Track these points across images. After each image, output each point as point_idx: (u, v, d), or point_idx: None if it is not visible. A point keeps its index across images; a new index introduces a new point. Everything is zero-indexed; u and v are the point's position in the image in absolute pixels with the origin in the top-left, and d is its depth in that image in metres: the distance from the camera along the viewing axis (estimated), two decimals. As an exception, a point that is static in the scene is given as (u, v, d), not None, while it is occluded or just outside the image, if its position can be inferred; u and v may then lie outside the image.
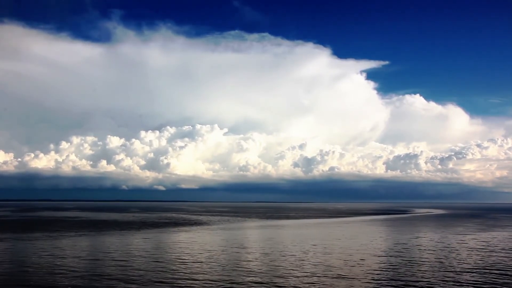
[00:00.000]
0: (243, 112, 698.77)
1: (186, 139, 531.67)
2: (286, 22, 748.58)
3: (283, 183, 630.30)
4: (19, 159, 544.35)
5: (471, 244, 47.55)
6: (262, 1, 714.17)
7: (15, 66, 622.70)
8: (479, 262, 34.34)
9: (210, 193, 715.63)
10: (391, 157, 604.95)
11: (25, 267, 31.51)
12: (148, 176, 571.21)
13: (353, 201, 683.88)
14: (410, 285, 25.64)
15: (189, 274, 28.84)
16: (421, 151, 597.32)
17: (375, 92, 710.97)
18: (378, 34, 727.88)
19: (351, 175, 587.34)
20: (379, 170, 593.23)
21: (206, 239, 52.76)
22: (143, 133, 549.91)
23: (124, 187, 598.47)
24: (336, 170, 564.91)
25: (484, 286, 25.66)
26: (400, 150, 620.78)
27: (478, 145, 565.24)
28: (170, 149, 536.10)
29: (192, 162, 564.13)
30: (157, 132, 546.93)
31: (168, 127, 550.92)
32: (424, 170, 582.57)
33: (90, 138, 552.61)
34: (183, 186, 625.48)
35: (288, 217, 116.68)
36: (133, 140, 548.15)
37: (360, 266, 31.96)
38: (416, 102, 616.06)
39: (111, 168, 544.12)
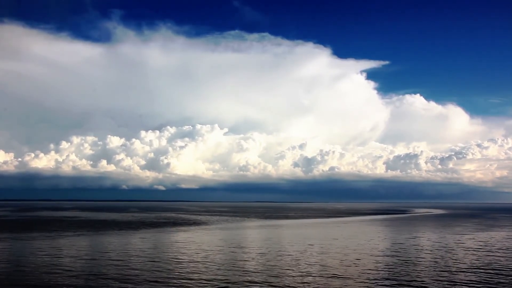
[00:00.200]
0: (243, 112, 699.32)
1: (186, 139, 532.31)
2: (286, 22, 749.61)
3: (283, 183, 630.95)
4: (19, 159, 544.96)
5: (468, 244, 47.60)
6: (262, 1, 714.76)
7: (15, 66, 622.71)
8: (475, 261, 34.39)
9: (210, 193, 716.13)
10: (391, 157, 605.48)
11: (21, 267, 31.58)
12: (148, 176, 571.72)
13: (353, 201, 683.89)
14: (404, 285, 25.70)
15: (184, 273, 28.91)
16: (421, 151, 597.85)
17: (375, 92, 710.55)
18: (378, 34, 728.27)
19: (351, 175, 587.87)
20: (379, 170, 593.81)
21: (203, 239, 52.82)
22: (143, 133, 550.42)
23: (124, 187, 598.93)
24: (336, 170, 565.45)
25: (478, 285, 25.71)
26: (400, 150, 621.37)
27: (478, 145, 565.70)
28: (170, 149, 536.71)
29: (192, 162, 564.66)
30: (157, 132, 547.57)
31: (168, 127, 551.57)
32: (424, 170, 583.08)
33: (90, 138, 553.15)
34: (183, 186, 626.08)
35: (287, 217, 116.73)
36: (133, 140, 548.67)
37: (356, 266, 32.02)
38: (416, 102, 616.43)
39: (111, 168, 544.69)
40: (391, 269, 30.63)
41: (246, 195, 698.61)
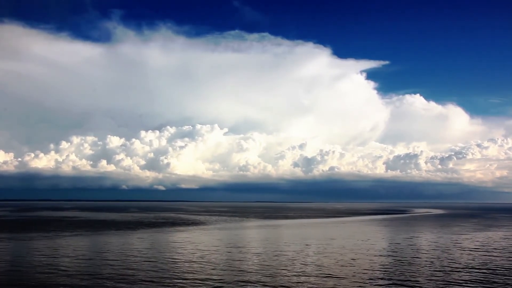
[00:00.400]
0: (243, 112, 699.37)
1: (186, 139, 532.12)
2: (286, 22, 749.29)
3: (283, 183, 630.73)
4: (19, 159, 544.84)
5: (465, 244, 47.64)
6: (262, 1, 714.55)
7: (15, 66, 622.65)
8: (470, 261, 34.44)
9: (210, 193, 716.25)
10: (391, 157, 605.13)
11: (17, 267, 31.65)
12: (148, 176, 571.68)
13: (353, 201, 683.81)
14: (398, 284, 25.75)
15: (179, 273, 28.97)
16: (421, 151, 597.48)
17: (375, 92, 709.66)
18: (378, 34, 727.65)
19: (351, 175, 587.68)
20: (379, 170, 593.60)
21: (200, 239, 52.87)
22: (143, 133, 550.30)
23: (124, 187, 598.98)
24: (336, 170, 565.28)
25: (473, 285, 25.76)
26: (400, 150, 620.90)
27: (478, 145, 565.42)
28: (170, 149, 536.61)
29: (192, 162, 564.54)
30: (157, 132, 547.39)
31: (168, 127, 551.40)
32: (424, 170, 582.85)
33: (90, 138, 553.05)
34: (183, 186, 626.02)
35: (286, 217, 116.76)
36: (133, 140, 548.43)
37: (351, 266, 32.06)
38: (416, 102, 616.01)
39: (111, 168, 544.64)
40: (386, 269, 30.68)
41: (246, 195, 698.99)
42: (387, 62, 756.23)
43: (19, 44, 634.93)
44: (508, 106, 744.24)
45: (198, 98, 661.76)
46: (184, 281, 26.60)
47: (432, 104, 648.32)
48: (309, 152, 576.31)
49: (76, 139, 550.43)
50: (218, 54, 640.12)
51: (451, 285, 25.62)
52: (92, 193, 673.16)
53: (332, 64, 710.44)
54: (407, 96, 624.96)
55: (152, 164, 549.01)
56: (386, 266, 31.84)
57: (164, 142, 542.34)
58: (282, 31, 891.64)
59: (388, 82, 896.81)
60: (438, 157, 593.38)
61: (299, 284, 25.87)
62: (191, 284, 25.85)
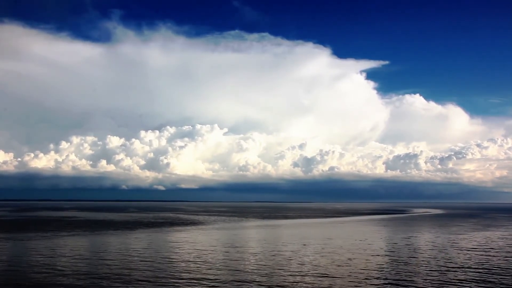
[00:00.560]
0: (243, 112, 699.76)
1: (186, 139, 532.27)
2: (286, 22, 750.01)
3: (283, 183, 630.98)
4: (19, 159, 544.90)
5: (462, 243, 47.67)
6: (262, 1, 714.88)
7: (15, 66, 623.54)
8: (467, 261, 34.45)
9: (210, 193, 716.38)
10: (391, 157, 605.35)
11: (13, 266, 31.68)
12: (148, 176, 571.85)
13: (353, 201, 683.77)
14: (392, 284, 25.77)
15: (174, 273, 29.01)
16: (421, 151, 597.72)
17: (375, 92, 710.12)
18: (378, 34, 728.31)
19: (351, 175, 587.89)
20: (379, 170, 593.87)
21: (198, 239, 52.89)
22: (143, 133, 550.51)
23: (124, 187, 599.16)
24: (336, 170, 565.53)
25: (468, 284, 25.78)
26: (400, 150, 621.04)
27: (478, 145, 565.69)
28: (170, 149, 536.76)
29: (192, 162, 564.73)
30: (157, 132, 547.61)
31: (168, 127, 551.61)
32: (424, 170, 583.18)
33: (90, 138, 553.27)
34: (183, 186, 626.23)
35: (285, 217, 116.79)
36: (133, 140, 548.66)
37: (347, 266, 32.08)
38: (416, 102, 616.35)
39: (111, 168, 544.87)
40: (382, 269, 30.71)
41: (245, 195, 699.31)
42: (387, 62, 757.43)
43: (19, 44, 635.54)
44: (508, 106, 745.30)
45: (198, 98, 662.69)
46: (179, 280, 26.63)
47: (432, 104, 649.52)
48: (309, 152, 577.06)
49: (76, 139, 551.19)
50: (218, 54, 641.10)
51: (446, 285, 25.64)
52: (92, 193, 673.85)
53: (332, 64, 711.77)
54: (407, 96, 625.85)
55: (152, 164, 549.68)
56: (382, 266, 31.87)
57: (164, 142, 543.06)
58: (282, 31, 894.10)
59: (388, 82, 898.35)
60: (438, 157, 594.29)
61: (294, 283, 25.90)
62: (186, 283, 25.88)
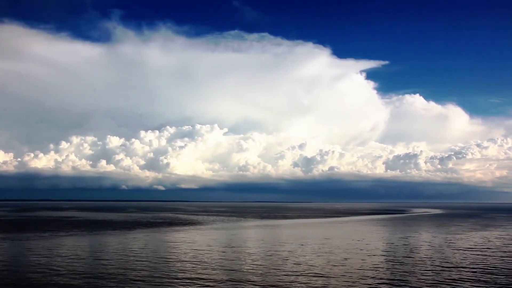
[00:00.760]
0: (243, 112, 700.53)
1: (186, 139, 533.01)
2: (286, 22, 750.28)
3: (283, 183, 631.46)
4: (19, 159, 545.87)
5: (459, 243, 47.72)
6: (262, 1, 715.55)
7: (15, 66, 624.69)
8: (462, 261, 34.50)
9: (210, 193, 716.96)
10: (390, 157, 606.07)
11: (11, 266, 31.76)
12: (148, 176, 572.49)
13: (353, 201, 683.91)
14: (386, 283, 25.83)
15: (169, 272, 29.07)
16: (421, 151, 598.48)
17: (375, 92, 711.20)
18: (378, 34, 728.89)
19: (351, 175, 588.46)
20: (379, 170, 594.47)
21: (195, 239, 52.96)
22: (143, 133, 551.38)
23: (124, 187, 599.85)
24: (336, 170, 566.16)
25: (462, 284, 25.84)
26: (400, 150, 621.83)
27: (478, 145, 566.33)
28: (170, 149, 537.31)
29: (192, 162, 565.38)
30: (157, 132, 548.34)
31: (168, 127, 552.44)
32: (423, 170, 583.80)
33: (90, 138, 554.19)
34: (183, 186, 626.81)
35: (284, 217, 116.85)
36: (133, 140, 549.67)
37: (342, 266, 32.13)
38: (416, 102, 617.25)
39: (111, 168, 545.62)
40: (376, 268, 30.76)
41: (245, 195, 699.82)
42: (387, 62, 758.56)
43: (19, 44, 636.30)
44: (508, 106, 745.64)
45: (198, 98, 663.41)
46: (174, 280, 26.71)
47: (432, 104, 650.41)
48: (309, 152, 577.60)
49: (76, 139, 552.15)
50: (218, 54, 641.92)
51: (440, 284, 25.70)
52: (92, 193, 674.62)
53: (332, 64, 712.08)
54: (407, 96, 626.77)
55: (151, 164, 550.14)
56: (377, 266, 31.92)
57: (164, 142, 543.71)
58: (282, 31, 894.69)
59: (388, 82, 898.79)
60: (438, 157, 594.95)
61: (288, 283, 25.96)
62: (181, 283, 25.95)
